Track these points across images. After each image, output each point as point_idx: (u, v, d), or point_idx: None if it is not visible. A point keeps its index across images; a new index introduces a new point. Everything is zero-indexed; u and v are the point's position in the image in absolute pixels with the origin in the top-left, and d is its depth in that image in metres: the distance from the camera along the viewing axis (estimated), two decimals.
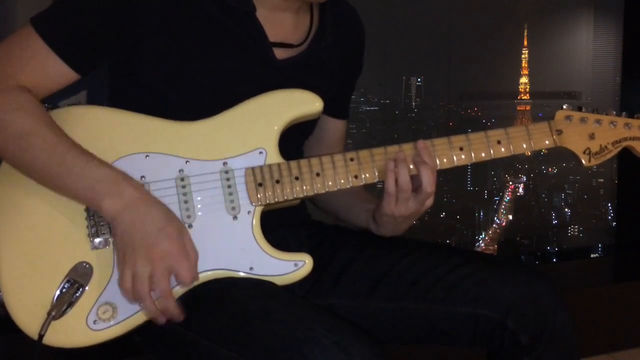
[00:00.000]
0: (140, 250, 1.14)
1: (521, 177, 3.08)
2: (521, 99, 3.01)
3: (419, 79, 2.80)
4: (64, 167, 1.16)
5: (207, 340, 1.16)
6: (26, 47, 1.22)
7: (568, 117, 1.36)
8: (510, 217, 3.07)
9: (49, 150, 1.16)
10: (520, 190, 3.08)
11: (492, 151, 1.33)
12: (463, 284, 1.31)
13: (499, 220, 3.05)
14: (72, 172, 1.15)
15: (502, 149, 1.33)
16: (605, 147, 1.36)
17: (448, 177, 2.88)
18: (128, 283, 1.15)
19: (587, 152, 1.35)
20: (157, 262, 1.14)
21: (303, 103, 1.29)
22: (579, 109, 1.37)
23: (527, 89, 3.00)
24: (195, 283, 1.20)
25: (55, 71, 1.23)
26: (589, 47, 3.10)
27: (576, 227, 3.19)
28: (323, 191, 1.28)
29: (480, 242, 3.03)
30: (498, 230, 3.05)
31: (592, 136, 1.35)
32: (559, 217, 3.17)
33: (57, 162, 1.16)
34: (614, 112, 1.36)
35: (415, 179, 1.27)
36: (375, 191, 1.51)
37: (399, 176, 1.26)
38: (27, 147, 1.17)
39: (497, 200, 3.04)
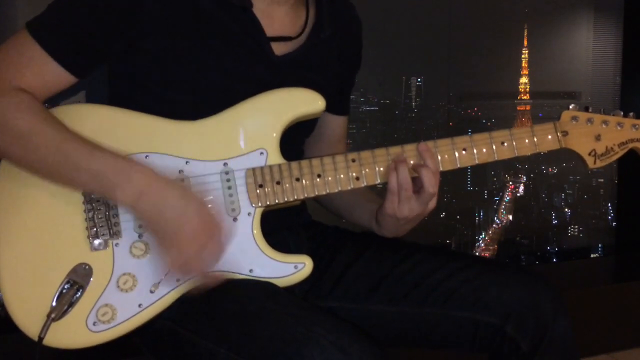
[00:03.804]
0: (170, 237, 1.15)
1: (521, 177, 3.08)
2: (521, 99, 3.00)
3: (419, 79, 2.79)
4: (70, 163, 1.15)
5: (206, 341, 1.16)
6: (23, 53, 1.21)
7: (574, 118, 1.33)
8: (510, 217, 3.06)
9: (53, 148, 1.15)
10: (520, 190, 3.08)
11: (496, 152, 1.31)
12: (462, 289, 1.31)
13: (499, 220, 3.05)
14: (79, 167, 1.15)
15: (506, 151, 1.31)
16: (612, 148, 1.33)
17: (448, 177, 2.87)
18: (172, 265, 1.17)
19: (593, 153, 1.33)
20: (187, 246, 1.14)
21: (305, 102, 1.28)
22: (586, 110, 1.34)
23: (527, 89, 3.00)
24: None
25: (54, 75, 1.22)
26: (589, 47, 3.10)
27: (576, 227, 3.18)
28: (324, 192, 1.27)
29: (480, 242, 3.02)
30: (500, 226, 3.05)
31: (598, 137, 1.33)
32: (559, 217, 3.16)
33: (63, 159, 1.15)
34: (621, 113, 1.33)
35: (417, 181, 1.26)
36: (376, 191, 1.50)
37: (399, 174, 1.25)
38: (32, 147, 1.16)
39: (497, 200, 3.04)
